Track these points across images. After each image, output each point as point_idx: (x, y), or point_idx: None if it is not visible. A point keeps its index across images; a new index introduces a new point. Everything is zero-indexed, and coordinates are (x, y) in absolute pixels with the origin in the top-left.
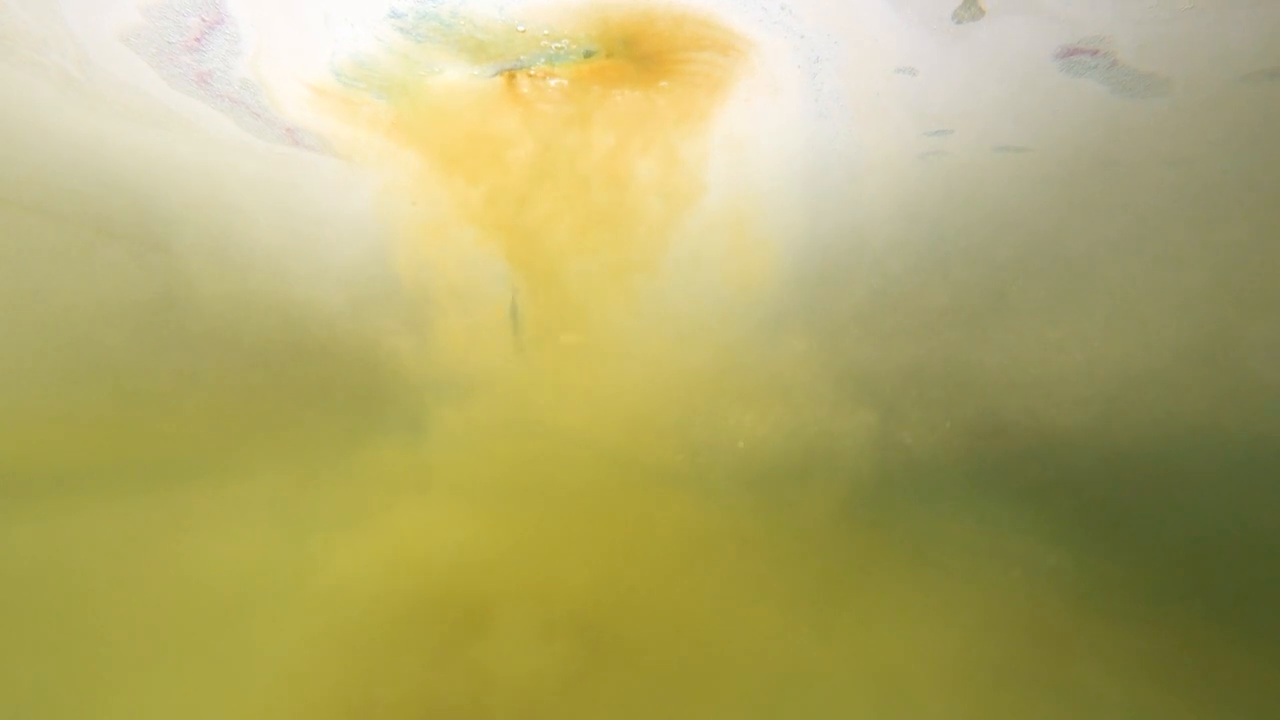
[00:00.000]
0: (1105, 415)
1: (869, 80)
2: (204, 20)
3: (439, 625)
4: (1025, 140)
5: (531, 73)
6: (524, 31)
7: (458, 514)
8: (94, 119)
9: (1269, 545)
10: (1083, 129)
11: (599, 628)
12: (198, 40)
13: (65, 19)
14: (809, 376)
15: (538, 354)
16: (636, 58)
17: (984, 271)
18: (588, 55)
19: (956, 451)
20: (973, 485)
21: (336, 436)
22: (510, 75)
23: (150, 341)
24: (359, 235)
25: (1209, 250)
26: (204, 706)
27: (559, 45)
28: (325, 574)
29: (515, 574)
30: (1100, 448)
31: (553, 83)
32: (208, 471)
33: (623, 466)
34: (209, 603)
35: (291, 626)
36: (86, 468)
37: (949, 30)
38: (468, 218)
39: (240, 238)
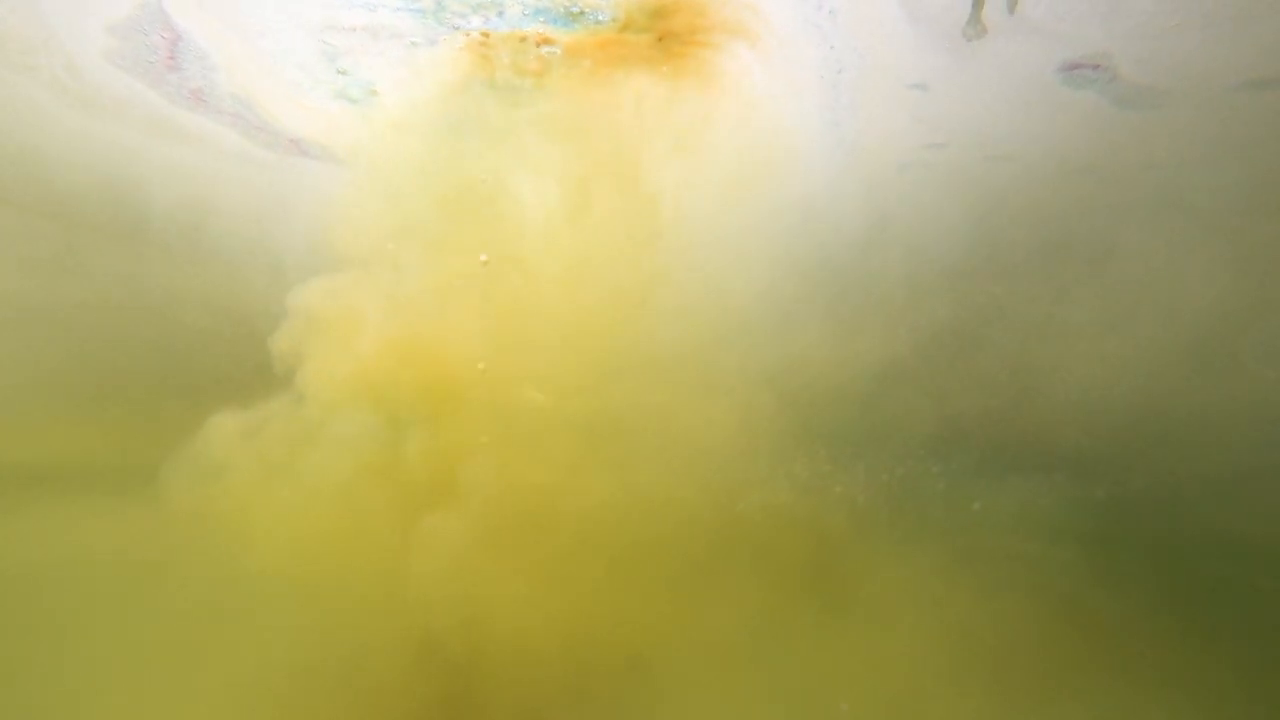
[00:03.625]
0: (1103, 414)
1: (882, 93)
2: (165, 38)
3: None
4: (1028, 148)
5: (522, 36)
6: None
7: (452, 522)
8: (95, 126)
9: (1266, 548)
10: (1085, 138)
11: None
12: (171, 58)
13: (63, 42)
14: (805, 378)
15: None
16: (658, 32)
17: (984, 272)
18: (599, 23)
19: (950, 451)
20: (968, 485)
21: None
22: (484, 36)
23: (150, 343)
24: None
25: (1205, 252)
26: (202, 705)
27: (573, 10)
28: (319, 581)
29: (513, 573)
30: (1096, 448)
31: (544, 50)
32: (203, 470)
33: (623, 454)
34: (201, 601)
35: (285, 628)
36: (86, 467)
37: (960, 47)
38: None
39: (242, 241)
